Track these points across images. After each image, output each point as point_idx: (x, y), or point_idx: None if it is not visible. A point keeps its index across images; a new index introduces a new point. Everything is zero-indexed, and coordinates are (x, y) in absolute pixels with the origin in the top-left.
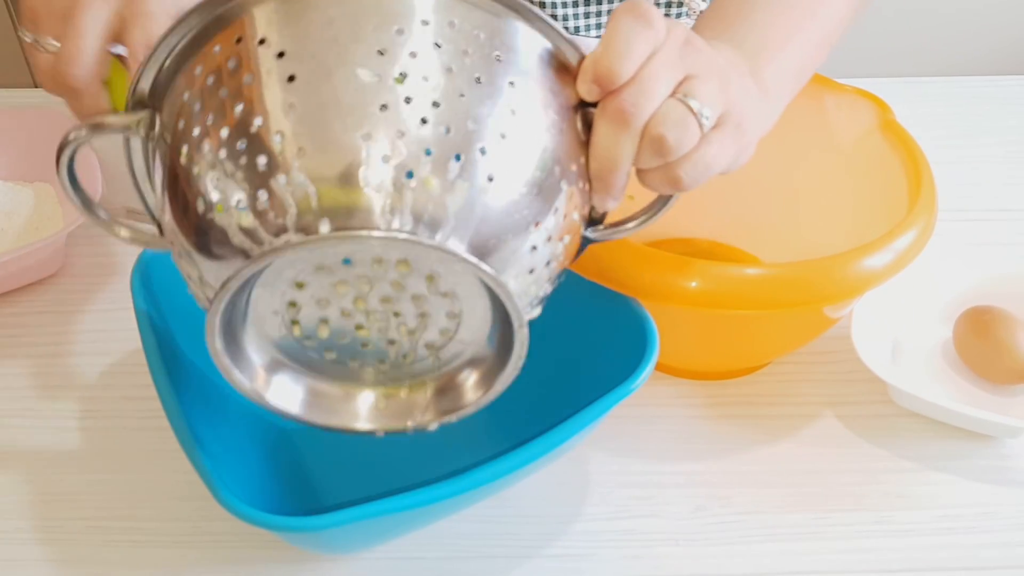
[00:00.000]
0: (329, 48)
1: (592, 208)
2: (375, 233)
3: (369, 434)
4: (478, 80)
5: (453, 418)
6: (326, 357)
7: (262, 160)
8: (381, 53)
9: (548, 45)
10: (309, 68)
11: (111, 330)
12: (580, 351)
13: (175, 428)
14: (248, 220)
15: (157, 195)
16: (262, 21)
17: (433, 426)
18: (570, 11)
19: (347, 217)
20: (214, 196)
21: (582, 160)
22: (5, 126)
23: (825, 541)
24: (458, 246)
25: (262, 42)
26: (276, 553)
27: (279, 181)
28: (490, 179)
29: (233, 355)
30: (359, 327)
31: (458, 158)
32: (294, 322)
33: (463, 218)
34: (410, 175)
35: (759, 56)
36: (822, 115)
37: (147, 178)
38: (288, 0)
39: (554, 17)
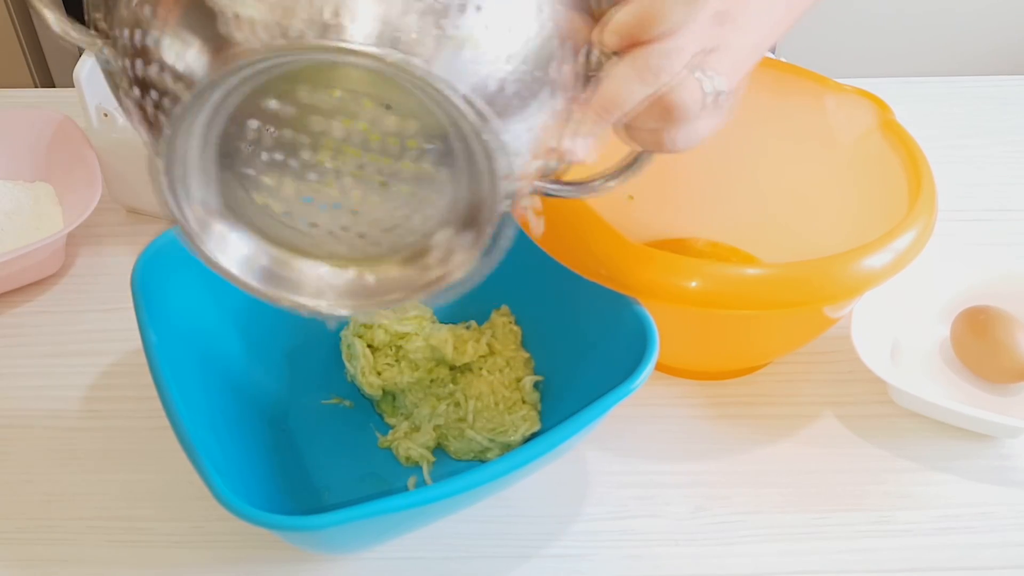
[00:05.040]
0: None
1: (558, 156)
2: (360, 50)
3: (336, 317)
4: None
5: (433, 293)
6: (287, 222)
7: None
8: None
9: None
10: None
11: (111, 330)
12: (580, 351)
13: (175, 428)
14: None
15: None
16: None
17: (409, 304)
18: None
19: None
20: None
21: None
22: (5, 126)
23: (825, 541)
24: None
25: None
26: (276, 553)
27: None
28: (485, 27)
29: (178, 195)
30: (325, 183)
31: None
32: (257, 175)
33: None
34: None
35: None
36: (822, 115)
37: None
38: None
39: None
